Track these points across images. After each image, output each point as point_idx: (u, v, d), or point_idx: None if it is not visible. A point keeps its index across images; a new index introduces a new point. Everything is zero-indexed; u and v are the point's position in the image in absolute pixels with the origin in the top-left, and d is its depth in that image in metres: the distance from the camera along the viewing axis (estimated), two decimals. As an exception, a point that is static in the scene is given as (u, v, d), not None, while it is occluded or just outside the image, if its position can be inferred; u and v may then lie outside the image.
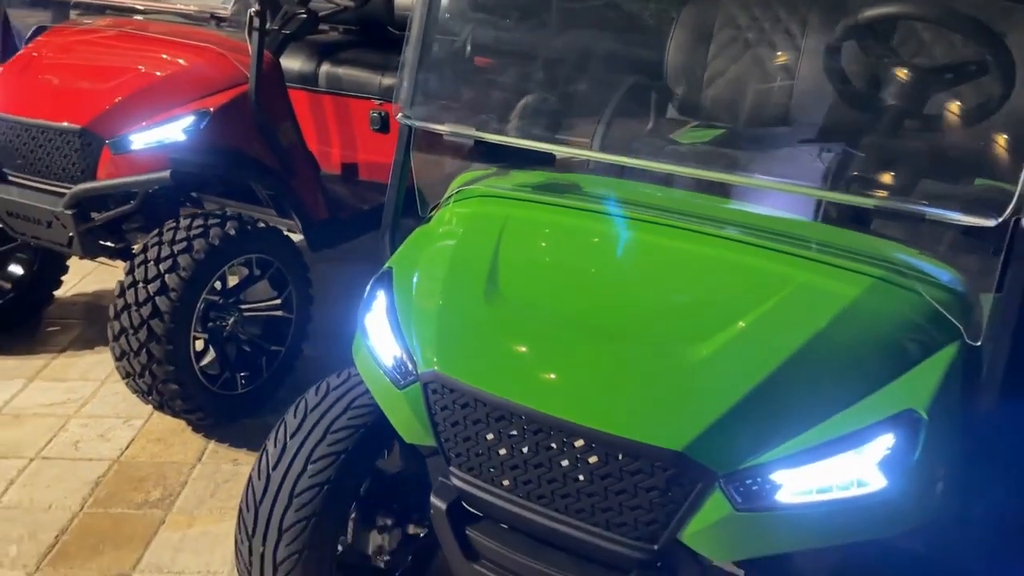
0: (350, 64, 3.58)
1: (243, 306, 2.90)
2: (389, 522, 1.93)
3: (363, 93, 3.54)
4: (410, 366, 1.63)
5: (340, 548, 1.96)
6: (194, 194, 3.25)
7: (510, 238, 1.73)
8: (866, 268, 1.53)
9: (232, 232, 2.72)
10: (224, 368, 2.84)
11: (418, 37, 1.87)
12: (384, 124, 3.58)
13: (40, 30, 3.32)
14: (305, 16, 3.35)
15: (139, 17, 3.30)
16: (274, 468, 1.81)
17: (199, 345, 2.76)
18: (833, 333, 1.45)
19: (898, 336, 1.47)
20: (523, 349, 1.54)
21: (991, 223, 1.36)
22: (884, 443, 1.35)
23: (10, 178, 2.99)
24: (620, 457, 1.40)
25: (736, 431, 1.37)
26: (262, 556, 1.79)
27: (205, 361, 2.80)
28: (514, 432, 1.49)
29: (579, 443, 1.43)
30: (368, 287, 1.82)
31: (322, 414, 1.85)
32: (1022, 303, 1.39)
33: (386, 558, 1.93)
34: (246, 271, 2.85)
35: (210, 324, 2.79)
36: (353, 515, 1.93)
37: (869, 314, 1.48)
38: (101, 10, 3.47)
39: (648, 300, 1.57)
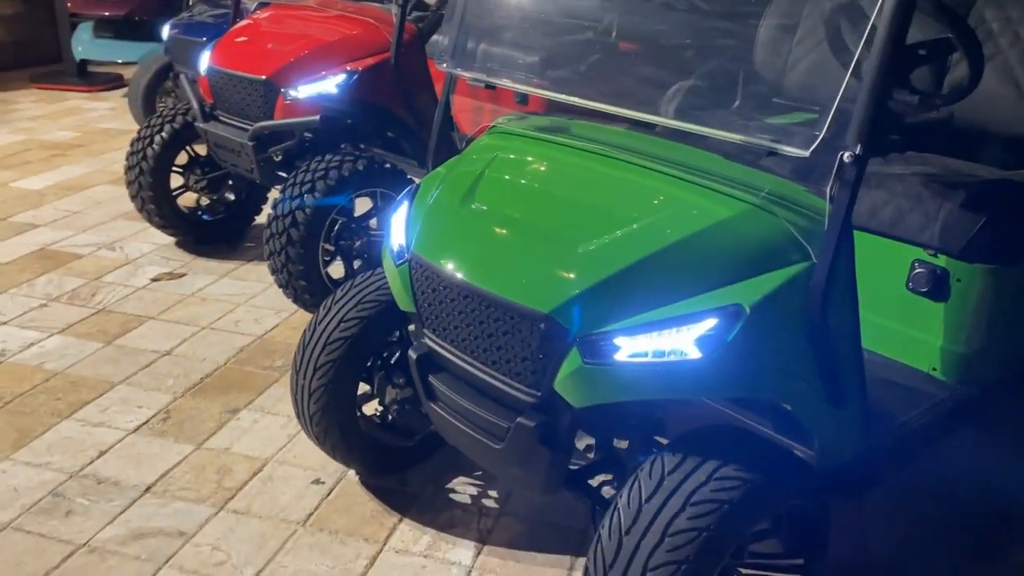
0: (501, 44, 4.15)
1: (372, 232, 3.58)
2: (402, 381, 2.47)
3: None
4: (405, 250, 2.16)
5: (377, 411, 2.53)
6: (362, 145, 3.99)
7: (499, 161, 2.21)
8: (747, 197, 1.83)
9: (360, 168, 3.39)
10: (349, 277, 3.53)
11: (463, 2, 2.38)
12: (524, 97, 4.11)
13: (260, 6, 4.22)
14: (459, -1, 3.96)
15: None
16: (319, 323, 2.41)
17: (328, 257, 3.47)
18: (696, 242, 1.78)
19: (755, 252, 1.76)
20: (465, 237, 2.02)
21: (805, 153, 1.63)
22: (706, 325, 1.67)
23: (220, 117, 3.89)
24: (512, 317, 1.84)
25: (593, 303, 1.75)
26: (302, 387, 2.40)
27: (335, 271, 3.51)
28: (454, 298, 1.97)
29: (490, 306, 1.88)
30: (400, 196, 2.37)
31: (360, 290, 2.43)
32: (842, 228, 1.65)
33: (395, 407, 2.48)
34: (371, 202, 3.52)
35: (341, 242, 3.49)
36: (380, 373, 2.51)
37: (735, 232, 1.79)
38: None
39: (573, 210, 1.98)
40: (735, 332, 1.66)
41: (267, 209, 4.49)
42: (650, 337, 1.71)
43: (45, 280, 3.95)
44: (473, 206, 2.07)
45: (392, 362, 2.53)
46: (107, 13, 7.41)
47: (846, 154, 1.62)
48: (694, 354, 1.67)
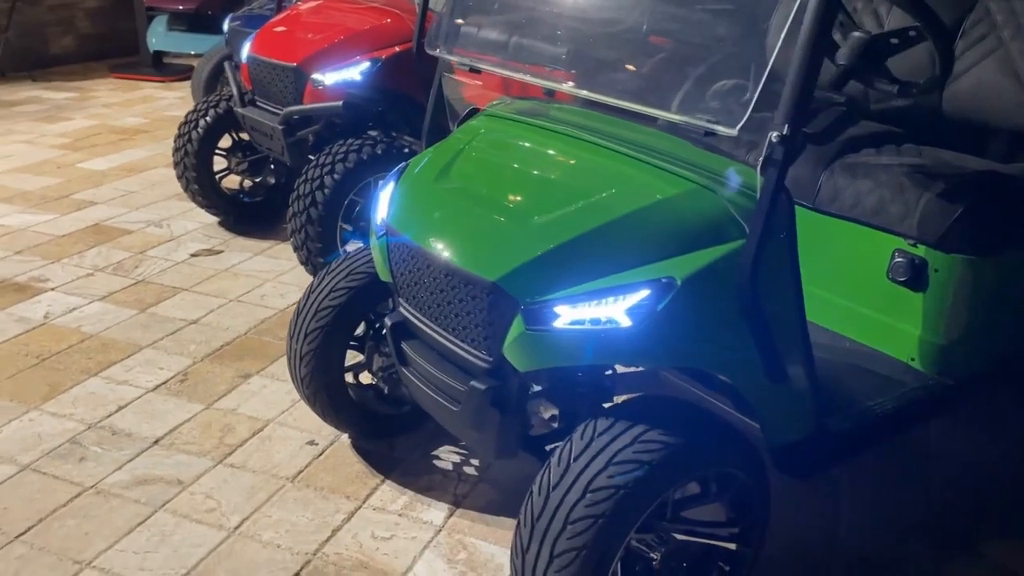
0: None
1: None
2: (387, 350, 2.60)
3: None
4: (385, 223, 2.29)
5: (373, 380, 2.67)
6: (394, 133, 4.15)
7: (477, 141, 2.32)
8: (695, 176, 1.90)
9: (379, 152, 3.55)
10: (367, 257, 3.69)
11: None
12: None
13: (300, -2, 4.43)
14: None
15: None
16: (312, 292, 2.56)
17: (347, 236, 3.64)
18: (639, 218, 1.86)
19: (695, 229, 1.83)
20: (433, 210, 2.13)
21: (732, 132, 1.69)
22: (639, 296, 1.75)
23: (258, 103, 4.10)
24: (466, 285, 1.95)
25: (537, 273, 1.84)
26: (295, 351, 2.56)
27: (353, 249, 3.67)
28: (420, 268, 2.09)
29: (448, 275, 2.00)
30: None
31: (351, 262, 2.58)
32: (773, 207, 1.71)
33: (382, 375, 2.62)
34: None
35: (360, 222, 3.66)
36: (370, 343, 2.65)
37: (676, 210, 1.86)
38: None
39: (532, 187, 2.08)
40: (665, 303, 1.73)
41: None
42: (588, 306, 1.79)
43: (95, 252, 4.24)
44: (445, 182, 2.19)
45: (383, 332, 2.66)
46: (180, 7, 7.80)
47: (774, 134, 1.67)
48: (626, 323, 1.75)
